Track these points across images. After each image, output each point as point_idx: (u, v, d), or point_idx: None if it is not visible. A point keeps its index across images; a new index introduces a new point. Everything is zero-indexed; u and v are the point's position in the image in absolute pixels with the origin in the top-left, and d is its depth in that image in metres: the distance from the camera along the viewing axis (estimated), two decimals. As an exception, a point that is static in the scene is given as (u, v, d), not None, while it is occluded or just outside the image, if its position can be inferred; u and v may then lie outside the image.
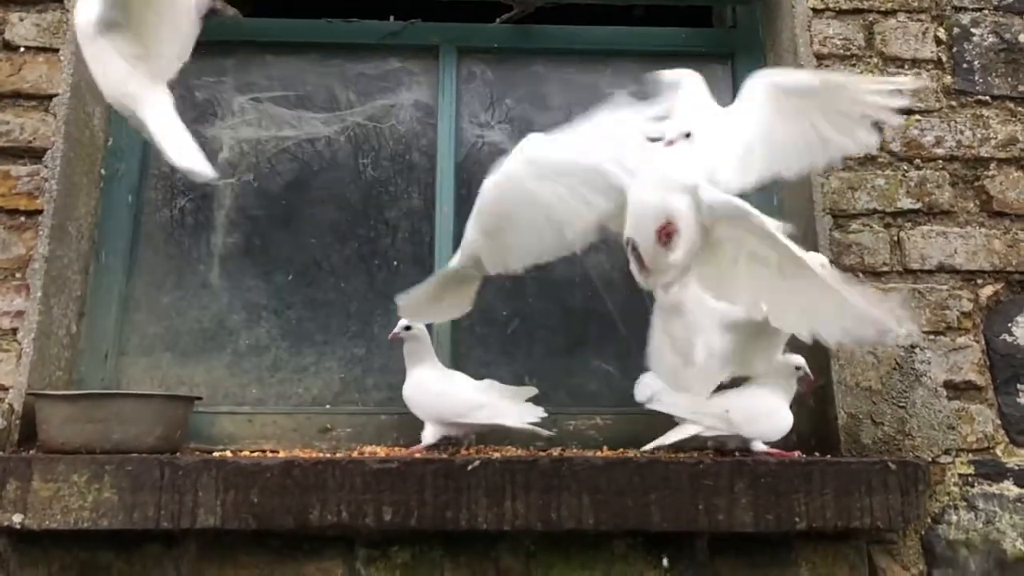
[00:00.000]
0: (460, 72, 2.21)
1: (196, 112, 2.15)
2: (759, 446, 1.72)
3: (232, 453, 1.74)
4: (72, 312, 1.89)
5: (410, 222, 2.11)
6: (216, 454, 1.69)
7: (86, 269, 1.96)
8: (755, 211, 1.37)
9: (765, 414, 1.73)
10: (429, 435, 1.75)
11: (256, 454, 1.74)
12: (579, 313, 2.07)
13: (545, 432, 1.76)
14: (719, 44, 2.27)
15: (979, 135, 1.95)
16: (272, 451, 1.82)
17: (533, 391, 1.83)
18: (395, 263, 2.07)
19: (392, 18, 2.24)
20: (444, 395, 1.77)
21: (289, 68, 2.22)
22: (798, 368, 1.75)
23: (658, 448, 1.73)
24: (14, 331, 1.74)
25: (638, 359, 2.02)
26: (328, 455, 1.67)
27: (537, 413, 1.78)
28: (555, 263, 2.06)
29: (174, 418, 1.68)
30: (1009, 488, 1.75)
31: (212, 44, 2.18)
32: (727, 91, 2.20)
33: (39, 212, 1.81)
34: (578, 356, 2.04)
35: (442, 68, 2.20)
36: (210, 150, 2.12)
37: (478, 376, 1.91)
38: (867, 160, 1.93)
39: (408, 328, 1.80)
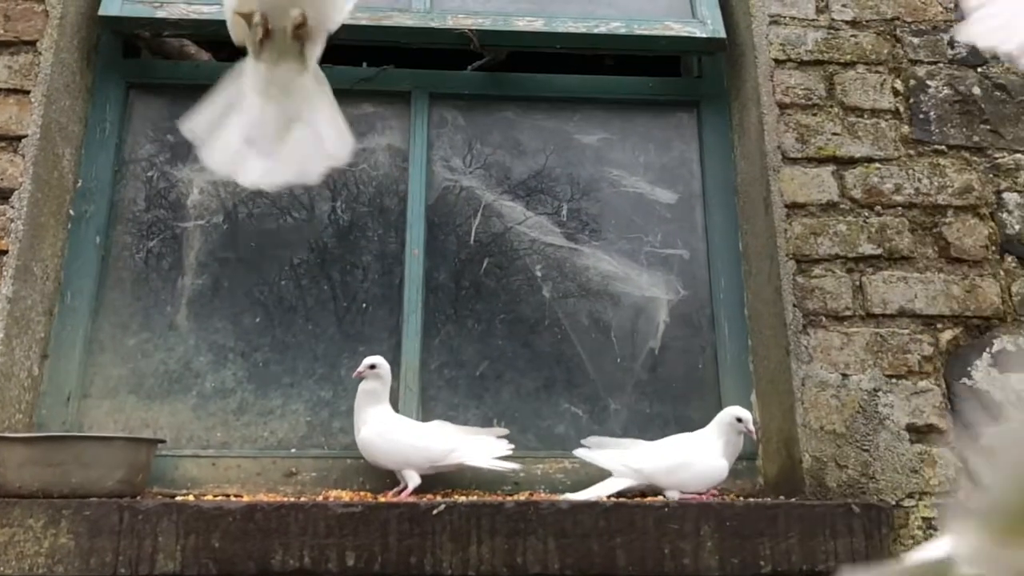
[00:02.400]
0: (432, 117, 2.24)
1: (168, 154, 2.16)
2: (672, 495, 1.75)
3: (195, 497, 1.72)
4: (35, 354, 1.87)
5: (380, 264, 2.12)
6: (179, 498, 1.67)
7: (50, 310, 1.94)
8: None
9: (685, 465, 1.78)
10: (413, 481, 1.76)
11: (219, 498, 1.71)
12: (548, 356, 2.08)
13: (510, 466, 1.79)
14: (685, 93, 2.32)
15: (936, 183, 2.00)
16: (236, 495, 1.80)
17: (504, 431, 1.88)
18: (364, 305, 2.07)
19: (365, 64, 2.27)
20: (417, 445, 1.79)
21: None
22: (740, 420, 1.78)
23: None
24: (-26, 373, 1.72)
25: (607, 402, 2.04)
26: (292, 499, 1.65)
27: (505, 447, 1.82)
28: (524, 306, 2.10)
29: (136, 461, 1.66)
30: (972, 532, 1.76)
31: (186, 87, 2.21)
32: (692, 139, 2.27)
33: (4, 252, 1.79)
34: (546, 399, 2.04)
35: (414, 113, 2.23)
36: (181, 192, 2.14)
37: (449, 420, 1.93)
38: (829, 207, 1.98)
39: (373, 367, 1.81)
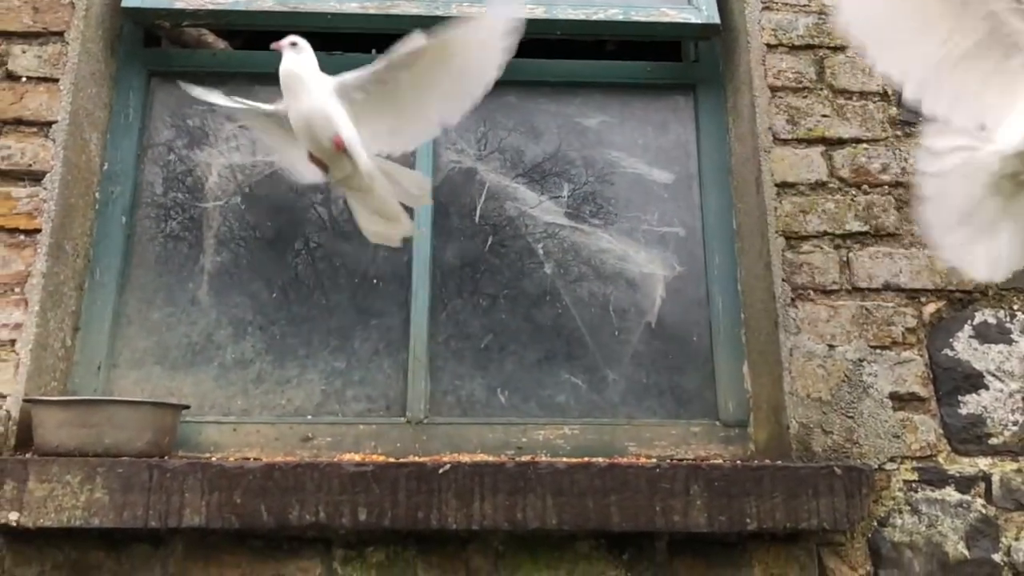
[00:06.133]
0: (438, 102, 2.33)
1: (188, 138, 2.27)
2: None
3: (217, 459, 1.83)
4: (67, 326, 1.99)
5: (390, 242, 2.22)
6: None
7: (81, 286, 2.06)
8: None
9: None
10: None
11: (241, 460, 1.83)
12: (549, 329, 2.18)
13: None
14: (681, 76, 2.40)
15: (922, 163, 2.08)
16: (256, 458, 1.91)
17: None
18: (375, 281, 2.18)
19: (374, 52, 2.36)
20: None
21: (277, 98, 2.33)
22: None
23: None
24: (12, 342, 1.83)
25: (605, 373, 2.15)
26: (308, 460, 1.76)
27: None
28: (527, 282, 2.21)
29: (163, 425, 1.78)
30: (950, 494, 1.86)
31: (204, 75, 2.32)
32: (689, 121, 2.35)
33: (38, 231, 1.91)
34: (548, 370, 2.14)
35: (421, 98, 2.32)
36: (199, 175, 2.25)
37: (456, 389, 2.04)
38: (818, 185, 2.06)
39: (294, 44, 1.79)
